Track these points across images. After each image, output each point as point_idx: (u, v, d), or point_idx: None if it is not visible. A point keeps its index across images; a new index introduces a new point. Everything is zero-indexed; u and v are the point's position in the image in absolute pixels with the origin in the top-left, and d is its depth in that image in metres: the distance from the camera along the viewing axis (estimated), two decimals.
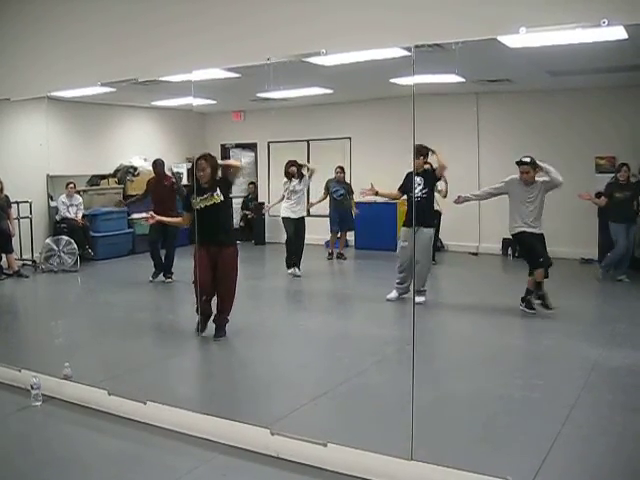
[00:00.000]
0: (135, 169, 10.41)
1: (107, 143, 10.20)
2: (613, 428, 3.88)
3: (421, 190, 6.96)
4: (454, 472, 3.15)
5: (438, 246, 9.91)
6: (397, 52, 3.59)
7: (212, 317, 5.72)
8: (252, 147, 12.31)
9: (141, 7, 4.63)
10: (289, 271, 8.71)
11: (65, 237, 8.95)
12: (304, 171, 8.88)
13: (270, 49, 3.89)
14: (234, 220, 11.64)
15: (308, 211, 9.55)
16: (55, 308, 7.53)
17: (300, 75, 6.43)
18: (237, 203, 11.53)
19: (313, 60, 4.04)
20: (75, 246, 8.91)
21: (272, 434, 3.67)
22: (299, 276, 8.63)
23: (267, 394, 4.63)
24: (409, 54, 3.40)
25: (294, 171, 8.76)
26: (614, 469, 3.45)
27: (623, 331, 5.94)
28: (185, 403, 4.08)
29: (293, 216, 8.77)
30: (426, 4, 3.44)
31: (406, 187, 6.99)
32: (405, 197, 7.24)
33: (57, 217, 9.43)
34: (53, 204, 9.43)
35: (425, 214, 6.87)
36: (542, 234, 6.59)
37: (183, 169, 11.22)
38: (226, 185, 5.65)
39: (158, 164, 8.33)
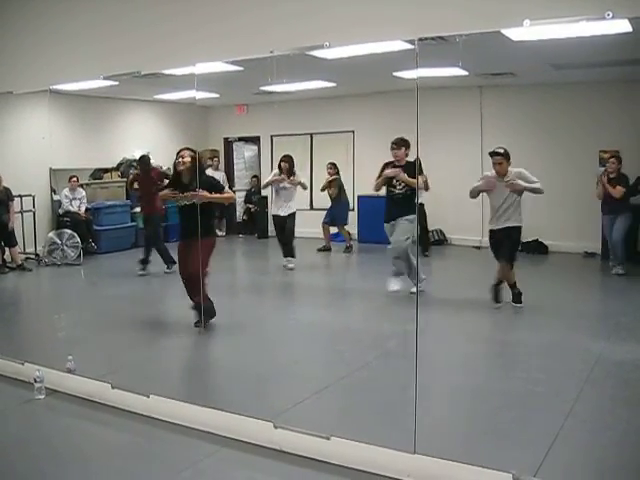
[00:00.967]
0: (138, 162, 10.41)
1: (110, 136, 10.18)
2: (616, 422, 3.87)
3: (402, 186, 6.99)
4: (457, 465, 3.16)
5: (440, 239, 9.93)
6: (400, 45, 3.57)
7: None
8: (255, 140, 12.30)
9: (144, 0, 4.61)
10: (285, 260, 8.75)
11: (68, 231, 8.95)
12: (296, 174, 8.85)
13: (273, 42, 3.87)
14: (237, 214, 11.74)
15: (312, 205, 9.55)
16: (58, 301, 7.55)
17: (303, 68, 6.41)
18: (240, 197, 11.55)
19: (316, 53, 4.03)
20: (78, 239, 8.91)
21: (275, 427, 3.67)
22: (292, 269, 8.63)
23: (270, 387, 4.63)
24: (412, 47, 3.38)
25: (286, 167, 8.72)
26: (617, 463, 3.45)
27: (627, 325, 5.94)
28: (188, 396, 4.09)
29: (282, 214, 8.79)
30: None
31: (387, 181, 7.05)
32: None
33: (60, 211, 9.43)
34: (56, 198, 9.43)
35: (408, 208, 6.87)
36: (520, 227, 6.60)
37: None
38: (208, 185, 5.73)
39: (143, 161, 8.54)
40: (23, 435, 3.95)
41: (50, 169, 8.63)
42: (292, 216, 8.81)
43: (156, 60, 4.49)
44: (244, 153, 12.48)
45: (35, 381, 4.44)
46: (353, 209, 10.25)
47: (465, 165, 9.27)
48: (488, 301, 6.56)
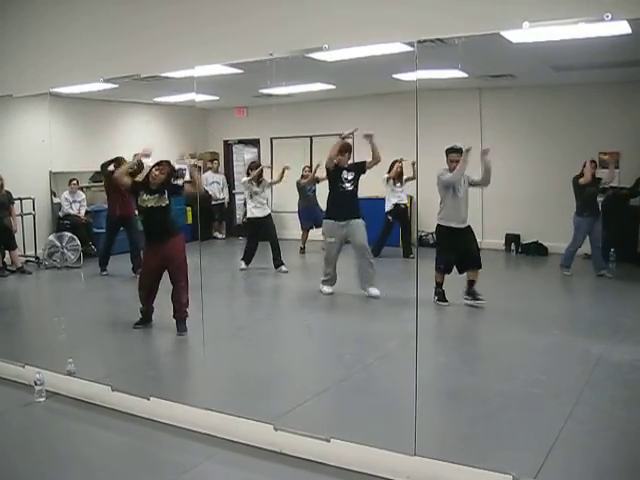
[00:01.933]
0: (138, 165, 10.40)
1: (110, 139, 10.17)
2: (616, 424, 3.88)
3: (351, 183, 7.26)
4: (457, 467, 3.16)
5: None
6: (400, 47, 3.58)
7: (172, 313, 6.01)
8: (255, 143, 12.28)
9: (143, 3, 4.62)
10: (242, 266, 8.92)
11: (68, 233, 8.94)
12: (265, 176, 9.18)
13: (272, 45, 3.88)
14: (237, 216, 11.74)
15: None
16: (58, 304, 7.55)
17: (303, 71, 6.40)
18: (240, 199, 11.53)
19: (315, 56, 4.04)
20: (78, 242, 8.90)
21: (275, 430, 3.68)
22: (286, 272, 8.71)
23: (270, 390, 4.63)
24: (412, 49, 3.39)
25: (254, 175, 9.00)
26: (617, 465, 3.45)
27: (627, 326, 5.94)
28: (188, 399, 4.09)
29: (260, 215, 8.96)
30: None
31: (334, 181, 7.28)
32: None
33: (60, 213, 9.43)
34: (56, 200, 9.42)
35: (357, 206, 7.31)
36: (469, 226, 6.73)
37: (185, 165, 11.20)
38: (170, 190, 5.98)
39: (118, 162, 8.44)
40: (24, 438, 3.95)
41: (50, 172, 8.62)
42: (270, 217, 9.06)
43: (156, 63, 4.50)
44: (244, 156, 12.46)
45: (35, 384, 4.44)
46: None
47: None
48: (487, 302, 6.56)
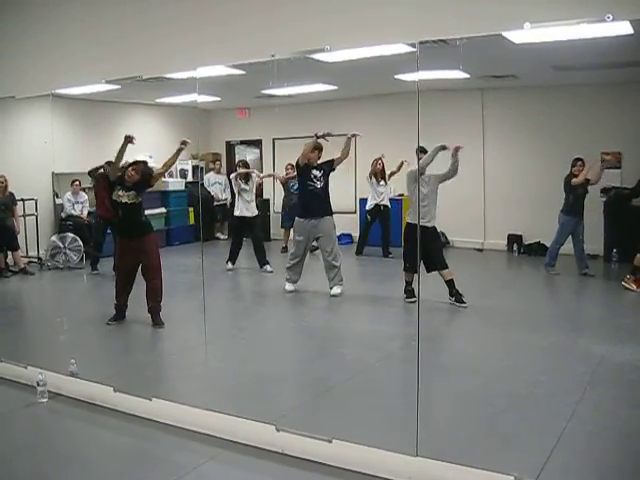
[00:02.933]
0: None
1: (112, 140, 10.12)
2: (619, 424, 3.87)
3: (321, 181, 7.37)
4: (459, 468, 3.15)
5: (443, 242, 9.92)
6: (402, 48, 3.58)
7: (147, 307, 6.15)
8: (257, 144, 12.31)
9: (145, 4, 4.63)
10: (228, 266, 8.88)
11: (71, 234, 8.95)
12: (253, 174, 9.20)
13: (274, 46, 3.88)
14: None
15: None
16: (61, 305, 7.56)
17: (304, 72, 6.42)
18: None
19: (317, 56, 4.04)
20: (80, 243, 8.91)
21: (277, 430, 3.68)
22: (271, 272, 8.71)
23: (272, 390, 4.63)
24: (414, 50, 3.39)
25: (242, 173, 9.01)
26: (620, 465, 3.45)
27: (629, 326, 5.94)
28: (190, 399, 4.10)
29: (246, 214, 8.94)
30: (430, 0, 3.43)
31: (303, 180, 7.43)
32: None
33: (62, 214, 9.43)
34: (58, 201, 9.43)
35: (326, 203, 7.41)
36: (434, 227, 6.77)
37: (188, 166, 11.22)
38: (144, 187, 6.16)
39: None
40: (26, 438, 3.96)
41: (52, 173, 8.64)
42: (257, 217, 9.06)
43: (158, 64, 4.51)
44: (246, 156, 12.48)
45: (38, 384, 4.45)
46: (355, 212, 10.26)
47: (466, 167, 9.27)
48: (489, 302, 6.56)
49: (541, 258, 9.02)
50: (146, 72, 4.58)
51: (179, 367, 5.34)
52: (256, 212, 9.06)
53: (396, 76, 7.13)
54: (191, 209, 10.79)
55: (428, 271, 6.66)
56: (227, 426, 3.84)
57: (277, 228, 10.69)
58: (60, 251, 8.84)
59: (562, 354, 5.26)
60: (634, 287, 7.07)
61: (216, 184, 10.94)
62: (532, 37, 3.53)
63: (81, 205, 9.50)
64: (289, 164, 9.80)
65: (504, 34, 3.34)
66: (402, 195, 9.22)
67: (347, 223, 9.74)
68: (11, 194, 8.66)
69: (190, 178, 11.14)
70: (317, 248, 7.95)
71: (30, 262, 8.94)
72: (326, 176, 7.42)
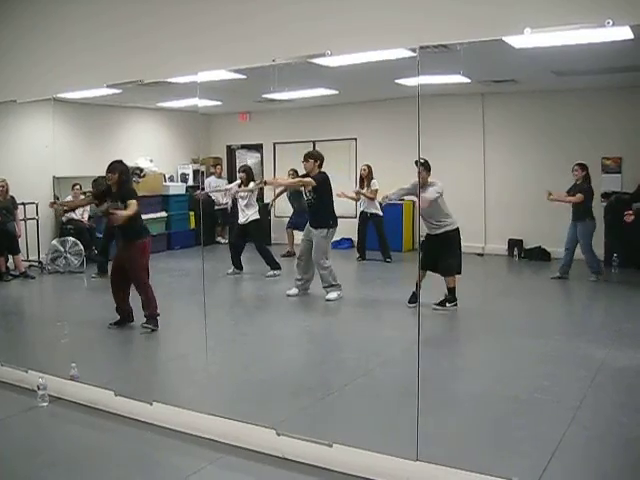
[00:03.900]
0: (141, 170, 10.42)
1: (113, 144, 10.20)
2: (619, 429, 3.87)
3: (312, 195, 7.47)
4: (460, 473, 3.15)
5: None
6: (402, 53, 3.58)
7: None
8: (258, 148, 12.31)
9: (146, 8, 4.64)
10: (229, 271, 8.88)
11: (71, 238, 8.96)
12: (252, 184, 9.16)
13: (275, 50, 3.89)
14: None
15: None
16: (61, 309, 7.56)
17: (305, 76, 6.44)
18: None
19: (318, 61, 4.04)
20: (81, 247, 8.92)
21: (278, 434, 3.68)
22: (272, 276, 8.75)
23: (273, 395, 4.63)
24: (414, 55, 3.40)
25: (242, 177, 9.02)
26: (620, 470, 3.45)
27: (630, 331, 5.93)
28: (191, 404, 4.10)
29: (242, 220, 8.95)
30: (431, 5, 3.44)
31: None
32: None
33: (63, 218, 9.44)
34: None
35: (319, 217, 7.48)
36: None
37: (189, 170, 11.24)
38: (128, 196, 6.11)
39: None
40: (26, 442, 3.95)
41: (53, 177, 8.65)
42: (253, 223, 9.00)
43: (159, 68, 4.51)
44: (247, 161, 12.50)
45: (38, 388, 4.45)
46: (355, 217, 10.25)
47: (467, 172, 9.30)
48: (490, 307, 6.56)
49: (542, 263, 9.03)
50: (147, 76, 4.58)
51: (180, 371, 5.33)
52: (252, 217, 8.98)
53: (397, 81, 7.13)
54: (192, 213, 10.81)
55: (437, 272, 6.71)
56: (228, 430, 3.84)
57: (278, 232, 10.69)
58: (61, 255, 8.85)
59: (563, 359, 5.26)
60: None
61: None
62: (532, 42, 3.54)
63: (82, 209, 9.51)
64: (291, 169, 9.82)
65: (505, 39, 3.34)
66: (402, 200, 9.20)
67: (347, 228, 9.73)
68: (12, 198, 8.66)
69: (191, 182, 11.16)
70: None
71: (31, 266, 8.94)
72: (318, 193, 7.45)
